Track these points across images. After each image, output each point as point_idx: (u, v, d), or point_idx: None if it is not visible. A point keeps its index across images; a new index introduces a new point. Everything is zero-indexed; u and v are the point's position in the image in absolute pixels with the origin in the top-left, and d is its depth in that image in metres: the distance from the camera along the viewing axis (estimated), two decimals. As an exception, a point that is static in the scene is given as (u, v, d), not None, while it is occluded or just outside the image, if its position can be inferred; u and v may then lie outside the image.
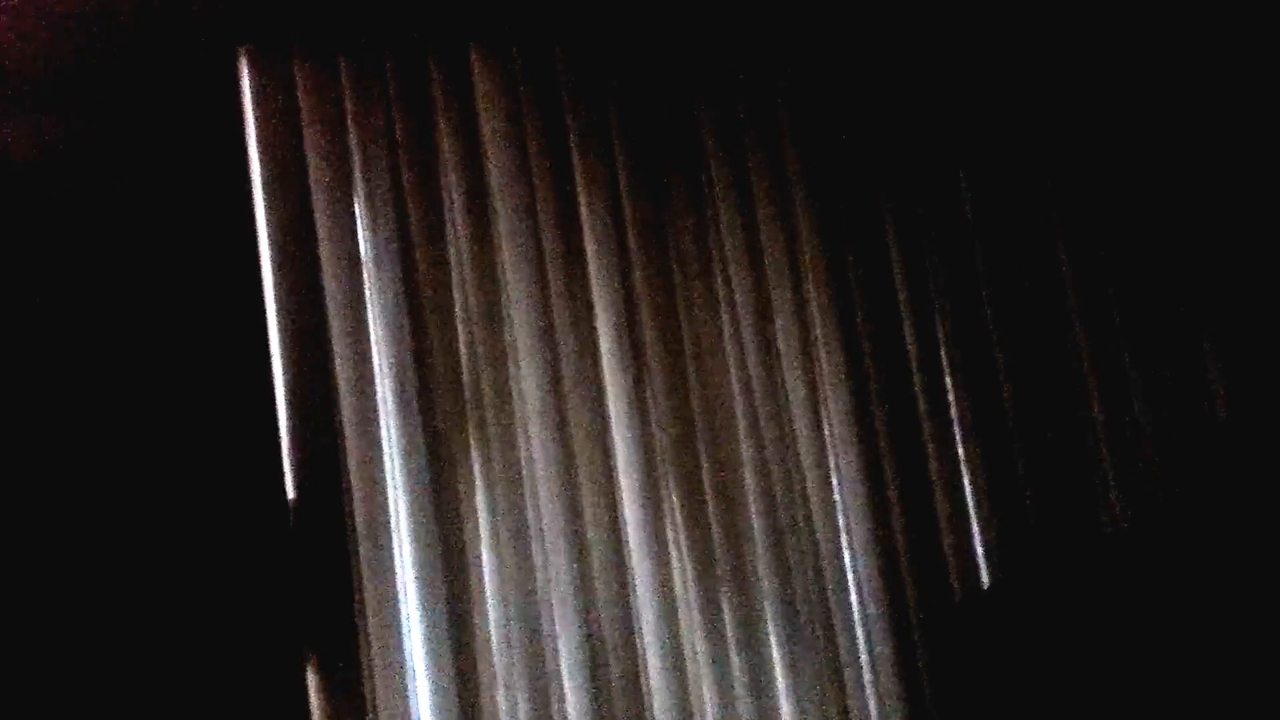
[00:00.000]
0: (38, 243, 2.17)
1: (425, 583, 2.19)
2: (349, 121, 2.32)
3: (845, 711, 2.36)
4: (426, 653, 2.18)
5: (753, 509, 2.39)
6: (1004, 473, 2.56)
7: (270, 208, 2.26)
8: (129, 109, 2.23)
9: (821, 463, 2.48)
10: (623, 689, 2.25)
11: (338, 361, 2.23)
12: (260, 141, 2.28)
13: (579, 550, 2.26)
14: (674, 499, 2.36)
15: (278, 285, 2.24)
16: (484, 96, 2.41)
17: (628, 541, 2.32)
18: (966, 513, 2.54)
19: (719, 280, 2.49)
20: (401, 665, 2.16)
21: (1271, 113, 2.80)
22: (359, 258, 2.29)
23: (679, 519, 2.36)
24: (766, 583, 2.37)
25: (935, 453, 2.55)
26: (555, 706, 2.21)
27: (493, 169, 2.39)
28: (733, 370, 2.45)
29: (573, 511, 2.28)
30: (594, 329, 2.39)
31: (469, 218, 2.36)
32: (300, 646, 2.13)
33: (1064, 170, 2.74)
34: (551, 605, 2.25)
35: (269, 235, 2.26)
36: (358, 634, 2.14)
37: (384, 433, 2.24)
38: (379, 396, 2.25)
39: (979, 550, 2.54)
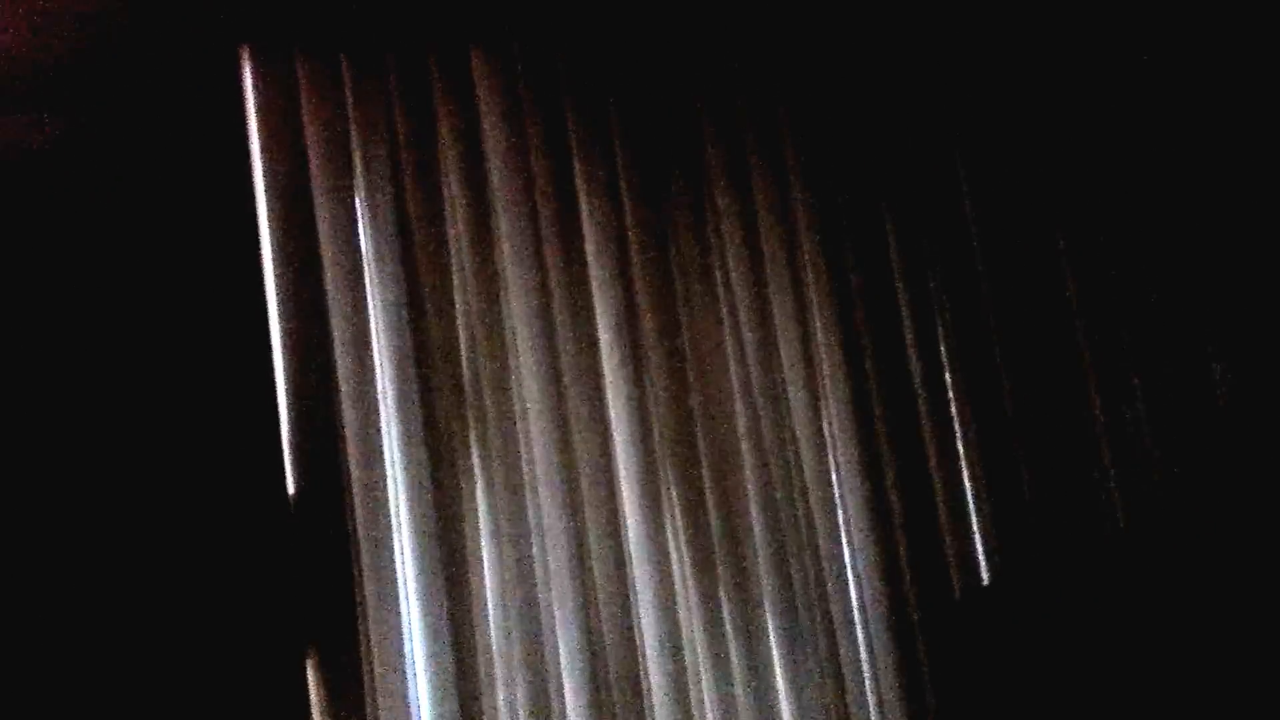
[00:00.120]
0: (39, 241, 2.17)
1: (425, 580, 2.19)
2: (350, 120, 2.33)
3: (845, 709, 2.36)
4: (426, 651, 2.18)
5: (752, 508, 2.39)
6: (1004, 472, 2.56)
7: (272, 205, 2.27)
8: (131, 107, 2.24)
9: (821, 462, 2.48)
10: (623, 688, 2.24)
11: (338, 359, 2.24)
12: (262, 139, 2.28)
13: (579, 549, 2.26)
14: (674, 498, 2.37)
15: (279, 283, 2.24)
16: (485, 95, 2.42)
17: (628, 540, 2.32)
18: (966, 511, 2.54)
19: (719, 280, 2.50)
20: (401, 662, 2.16)
21: (1268, 109, 2.80)
22: (360, 255, 2.30)
23: (679, 518, 2.36)
24: (766, 581, 2.37)
25: (935, 452, 2.55)
26: (555, 705, 2.21)
27: (493, 168, 2.40)
28: (733, 370, 2.45)
29: (572, 510, 2.28)
30: (594, 329, 2.40)
31: (469, 216, 2.36)
32: (301, 643, 2.13)
33: (1064, 169, 2.75)
34: (551, 604, 2.25)
35: (270, 233, 2.26)
36: (358, 631, 2.14)
37: (384, 430, 2.24)
38: (379, 394, 2.25)
39: (979, 548, 2.54)
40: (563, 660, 2.23)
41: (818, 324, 2.55)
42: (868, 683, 2.41)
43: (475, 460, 2.27)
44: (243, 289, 2.24)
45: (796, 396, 2.50)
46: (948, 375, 2.60)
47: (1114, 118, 2.78)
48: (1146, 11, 2.80)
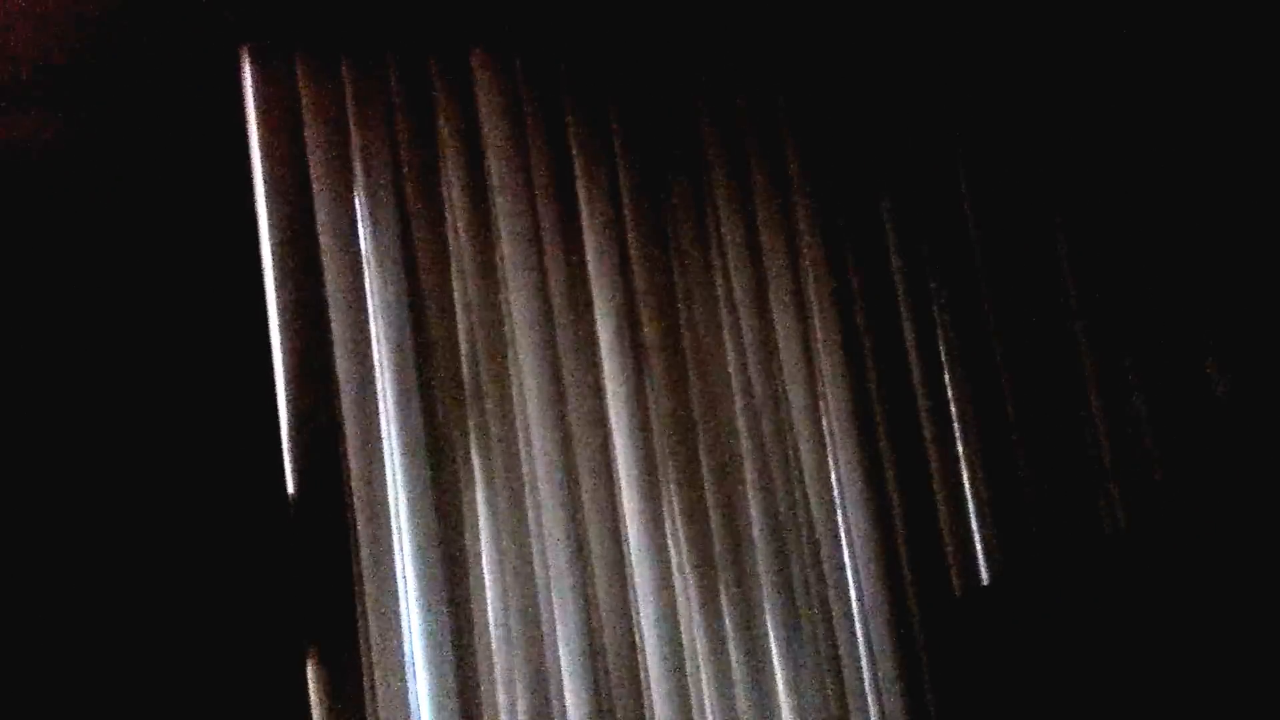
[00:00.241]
0: (39, 241, 2.17)
1: (425, 579, 2.19)
2: (350, 120, 2.32)
3: (845, 708, 2.36)
4: (426, 650, 2.18)
5: (752, 507, 2.40)
6: (1004, 471, 2.56)
7: (272, 206, 2.26)
8: (131, 107, 2.23)
9: (821, 461, 2.48)
10: (623, 688, 2.24)
11: (338, 358, 2.23)
12: (262, 140, 2.28)
13: (579, 548, 2.26)
14: (674, 497, 2.37)
15: (279, 283, 2.24)
16: (485, 95, 2.42)
17: (628, 540, 2.32)
18: (966, 511, 2.55)
19: (719, 279, 2.50)
20: (401, 661, 2.16)
21: (1267, 107, 2.80)
22: (360, 255, 2.29)
23: (679, 517, 2.36)
24: (766, 580, 2.37)
25: (935, 451, 2.55)
26: (555, 704, 2.21)
27: (493, 168, 2.40)
28: (733, 369, 2.45)
29: (572, 509, 2.28)
30: (594, 328, 2.40)
31: (469, 217, 2.36)
32: (301, 642, 2.13)
33: (1063, 169, 2.75)
34: (552, 604, 2.25)
35: (270, 233, 2.26)
36: (358, 630, 2.14)
37: (384, 429, 2.24)
38: (379, 393, 2.25)
39: (979, 548, 2.54)
40: (563, 660, 2.23)
41: (818, 324, 2.55)
42: (868, 683, 2.41)
43: (475, 460, 2.27)
44: (243, 289, 2.23)
45: (796, 396, 2.50)
46: (948, 375, 2.60)
47: (1113, 118, 2.78)
48: (1146, 11, 2.80)
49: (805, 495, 2.45)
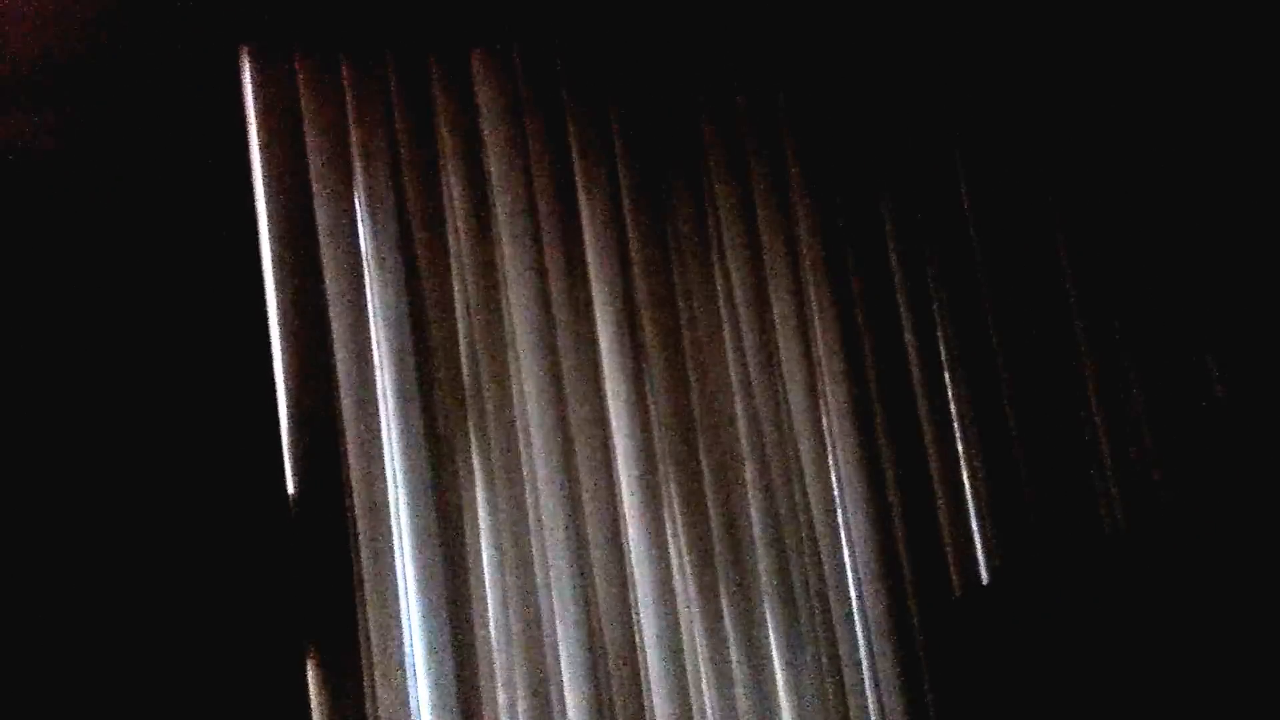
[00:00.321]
0: (39, 240, 2.17)
1: (425, 579, 2.19)
2: (350, 120, 2.33)
3: (845, 708, 2.36)
4: (426, 650, 2.18)
5: (752, 507, 2.40)
6: (1004, 472, 2.56)
7: (271, 205, 2.27)
8: (131, 107, 2.24)
9: (821, 461, 2.48)
10: (623, 688, 2.24)
11: (338, 358, 2.24)
12: (262, 139, 2.28)
13: (579, 548, 2.26)
14: (674, 497, 2.37)
15: (279, 282, 2.24)
16: (484, 95, 2.42)
17: (628, 539, 2.32)
18: (966, 510, 2.54)
19: (718, 278, 2.50)
20: (401, 661, 2.16)
21: (1266, 107, 2.80)
22: (359, 255, 2.30)
23: (679, 517, 2.36)
24: (766, 580, 2.37)
25: (935, 452, 2.55)
26: (555, 704, 2.21)
27: (493, 168, 2.40)
28: (732, 369, 2.45)
29: (572, 509, 2.28)
30: (594, 329, 2.40)
31: (469, 216, 2.36)
32: (301, 642, 2.13)
33: (1063, 169, 2.75)
34: (552, 604, 2.25)
35: (270, 232, 2.26)
36: (358, 630, 2.14)
37: (384, 429, 2.25)
38: (379, 393, 2.25)
39: (979, 548, 2.54)
40: (563, 660, 2.23)
41: (818, 324, 2.55)
42: (868, 683, 2.41)
43: (475, 460, 2.27)
44: (243, 288, 2.24)
45: (796, 396, 2.50)
46: (948, 375, 2.60)
47: (1113, 118, 2.78)
48: (1146, 11, 2.80)
49: (805, 495, 2.45)
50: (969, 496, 2.55)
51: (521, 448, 2.29)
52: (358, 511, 2.20)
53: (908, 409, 2.55)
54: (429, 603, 2.19)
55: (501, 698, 2.20)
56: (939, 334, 2.61)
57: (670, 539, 2.35)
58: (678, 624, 2.31)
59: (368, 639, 2.15)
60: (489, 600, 2.22)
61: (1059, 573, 2.40)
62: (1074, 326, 2.68)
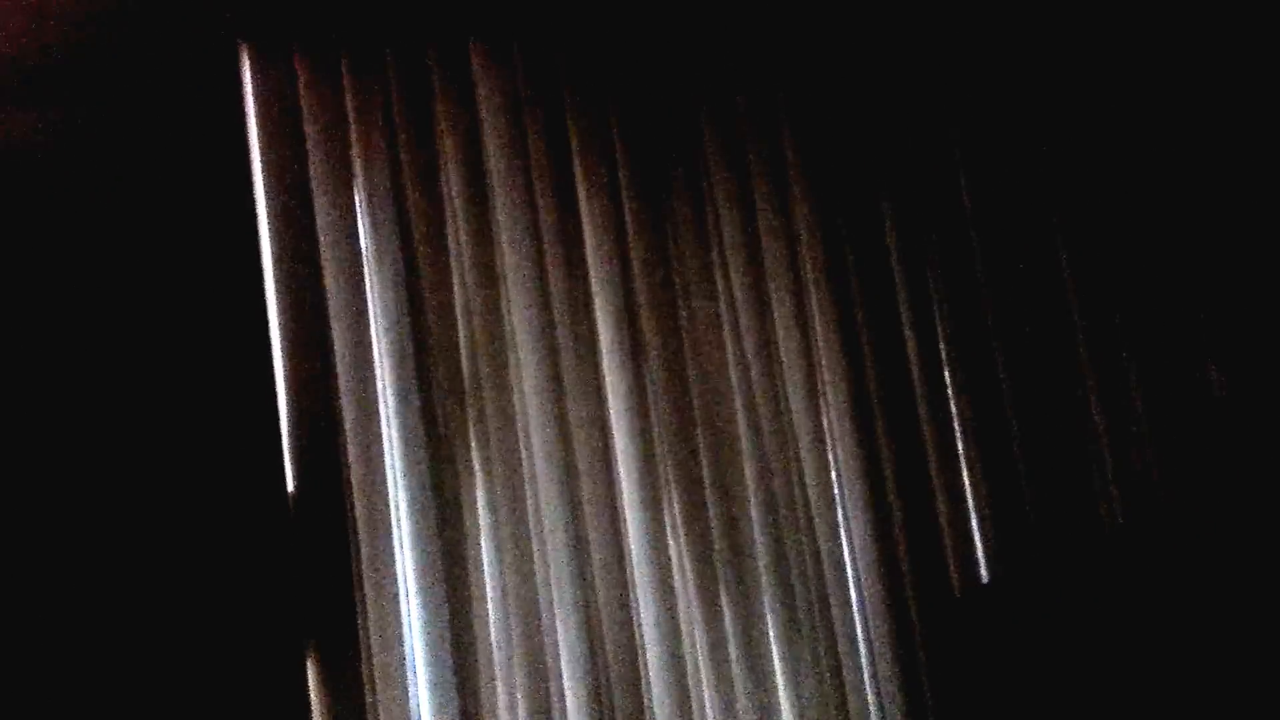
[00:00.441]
0: (38, 238, 2.17)
1: (425, 578, 2.19)
2: (350, 117, 2.33)
3: (845, 707, 2.36)
4: (426, 650, 2.18)
5: (752, 506, 2.40)
6: (1004, 472, 2.56)
7: (271, 203, 2.26)
8: (131, 104, 2.23)
9: (821, 460, 2.48)
10: (623, 688, 2.24)
11: (338, 356, 2.24)
12: (261, 137, 2.28)
13: (579, 547, 2.26)
14: (673, 496, 2.37)
15: (278, 280, 2.24)
16: (484, 93, 2.42)
17: (627, 539, 2.32)
18: (966, 510, 2.54)
19: (718, 278, 2.50)
20: (401, 660, 2.16)
21: (1266, 107, 2.81)
22: (359, 253, 2.29)
23: (678, 516, 2.36)
24: (766, 579, 2.37)
25: (935, 452, 2.55)
26: (555, 704, 2.21)
27: (493, 166, 2.40)
28: (732, 368, 2.45)
29: (572, 508, 2.28)
30: (594, 326, 2.40)
31: (469, 214, 2.36)
32: (301, 641, 2.13)
33: (1063, 169, 2.75)
34: (552, 604, 2.24)
35: (270, 230, 2.26)
36: (358, 629, 2.14)
37: (384, 427, 2.24)
38: (379, 391, 2.25)
39: (979, 548, 2.54)
40: (563, 660, 2.23)
41: (818, 324, 2.55)
42: (868, 683, 2.41)
43: (475, 459, 2.27)
44: (242, 286, 2.23)
45: (796, 396, 2.50)
46: (947, 375, 2.60)
47: (1113, 118, 2.78)
48: (1146, 11, 2.80)
49: (805, 494, 2.45)
50: (969, 496, 2.55)
51: (521, 447, 2.29)
52: (357, 511, 2.20)
53: (908, 409, 2.55)
54: (429, 603, 2.19)
55: (501, 698, 2.20)
56: (939, 334, 2.61)
57: (670, 539, 2.35)
58: (677, 624, 2.31)
59: (368, 639, 2.15)
60: (489, 600, 2.22)
61: (1059, 572, 2.41)
62: (1074, 327, 2.68)
